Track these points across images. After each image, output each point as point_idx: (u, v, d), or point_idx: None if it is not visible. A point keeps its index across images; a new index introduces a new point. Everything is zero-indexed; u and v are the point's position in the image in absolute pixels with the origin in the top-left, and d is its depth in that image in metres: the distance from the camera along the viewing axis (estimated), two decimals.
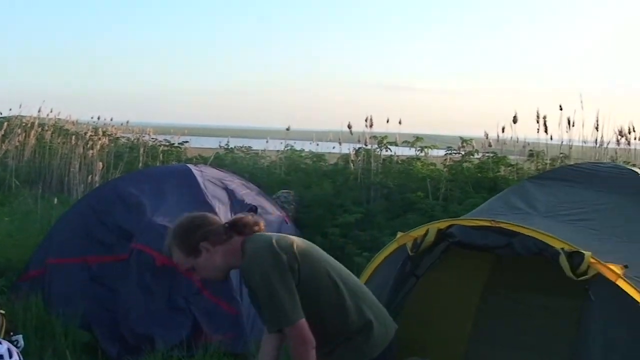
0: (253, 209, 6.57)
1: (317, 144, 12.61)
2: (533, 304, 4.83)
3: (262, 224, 3.45)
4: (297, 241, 3.35)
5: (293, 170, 10.54)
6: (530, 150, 9.78)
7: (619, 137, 9.48)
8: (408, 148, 10.64)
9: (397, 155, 10.47)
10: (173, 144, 12.99)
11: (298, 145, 12.12)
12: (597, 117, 9.55)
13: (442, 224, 4.16)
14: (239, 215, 3.48)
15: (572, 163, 7.60)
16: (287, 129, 12.37)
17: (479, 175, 9.14)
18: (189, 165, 7.51)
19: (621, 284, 3.48)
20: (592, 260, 3.52)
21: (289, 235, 3.46)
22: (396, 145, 10.41)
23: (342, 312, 3.25)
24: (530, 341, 4.77)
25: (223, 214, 6.22)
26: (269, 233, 3.43)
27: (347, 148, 10.95)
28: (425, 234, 4.14)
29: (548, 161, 9.17)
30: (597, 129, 9.57)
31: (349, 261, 7.60)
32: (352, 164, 10.10)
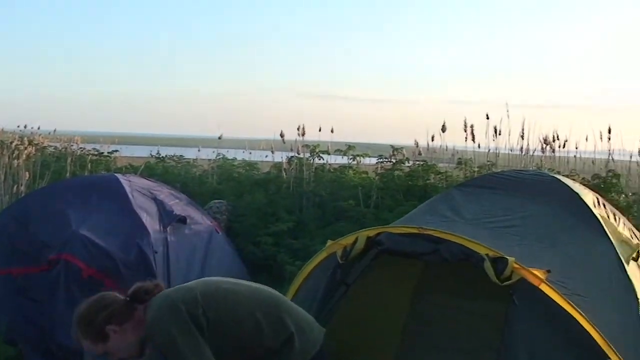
0: (182, 219, 6.54)
1: (250, 153, 12.52)
2: (460, 308, 4.90)
3: (161, 284, 3.38)
4: (201, 284, 3.34)
5: (225, 179, 10.44)
6: (459, 158, 9.90)
7: (544, 145, 9.73)
8: (340, 156, 10.65)
9: (330, 164, 10.48)
10: (102, 153, 12.69)
11: (230, 154, 12.01)
12: (523, 126, 9.80)
13: (371, 232, 4.19)
14: (138, 284, 3.38)
15: (498, 170, 7.75)
16: (219, 138, 12.26)
17: (409, 183, 9.23)
18: (116, 174, 7.36)
19: (544, 288, 3.56)
20: (515, 265, 3.59)
21: (190, 283, 3.41)
22: (328, 153, 10.41)
23: (261, 336, 3.26)
24: (458, 345, 4.84)
25: (150, 225, 6.13)
26: (168, 290, 3.35)
27: (279, 156, 10.92)
28: (355, 242, 4.17)
29: (476, 169, 9.29)
30: (522, 137, 9.81)
31: (281, 270, 7.59)
32: (284, 173, 10.07)
